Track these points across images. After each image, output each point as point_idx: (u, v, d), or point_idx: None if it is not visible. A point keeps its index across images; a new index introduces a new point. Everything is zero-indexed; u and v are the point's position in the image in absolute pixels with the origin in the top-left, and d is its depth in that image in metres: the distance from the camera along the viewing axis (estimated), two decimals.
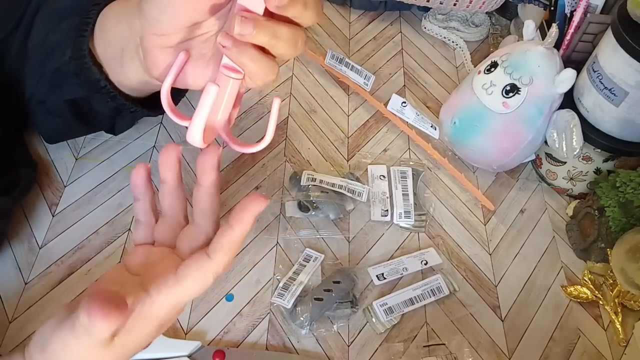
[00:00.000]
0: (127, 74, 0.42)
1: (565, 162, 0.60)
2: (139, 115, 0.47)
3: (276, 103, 0.34)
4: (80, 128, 0.56)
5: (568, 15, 0.61)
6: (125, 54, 0.40)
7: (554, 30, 0.53)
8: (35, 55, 0.47)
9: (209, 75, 0.37)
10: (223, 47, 0.31)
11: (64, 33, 0.43)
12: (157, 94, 0.43)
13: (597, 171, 0.58)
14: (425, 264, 0.55)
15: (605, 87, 0.52)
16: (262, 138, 0.35)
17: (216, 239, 0.32)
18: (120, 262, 0.52)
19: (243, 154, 0.63)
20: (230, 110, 0.36)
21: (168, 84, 0.35)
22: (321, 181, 0.59)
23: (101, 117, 0.51)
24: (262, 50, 0.33)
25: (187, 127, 0.33)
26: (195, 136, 0.32)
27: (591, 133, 0.55)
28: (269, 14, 0.31)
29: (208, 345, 0.49)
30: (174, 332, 0.49)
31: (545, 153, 0.62)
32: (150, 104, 0.47)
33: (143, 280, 0.32)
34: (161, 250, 0.35)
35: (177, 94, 0.51)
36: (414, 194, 0.61)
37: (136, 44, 0.37)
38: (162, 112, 0.40)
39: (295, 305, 0.51)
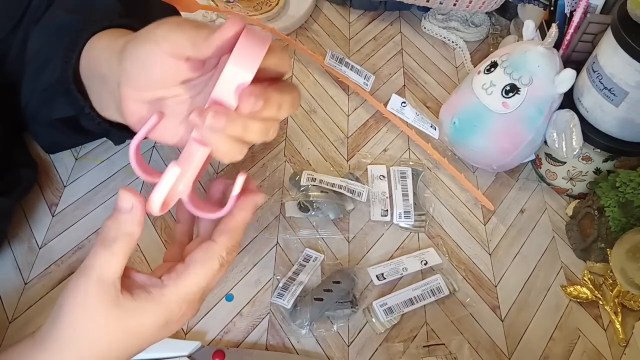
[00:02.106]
0: (105, 109, 0.41)
1: (565, 162, 0.60)
2: (127, 137, 0.47)
3: (240, 180, 0.34)
4: (78, 139, 0.55)
5: (568, 15, 0.61)
6: (104, 90, 0.39)
7: (553, 30, 0.53)
8: (30, 68, 0.46)
9: (179, 135, 0.36)
10: (195, 124, 0.31)
11: (55, 51, 0.43)
12: None
13: (597, 171, 0.58)
14: (425, 264, 0.55)
15: (605, 87, 0.52)
16: (223, 207, 0.35)
17: (219, 225, 0.35)
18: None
19: None
20: (195, 178, 0.35)
21: (135, 144, 0.34)
22: (321, 181, 0.59)
23: (95, 132, 0.50)
24: None
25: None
26: (153, 208, 0.32)
27: (591, 133, 0.55)
28: None
29: (208, 345, 0.49)
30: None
31: (545, 153, 0.62)
32: None
33: None
34: None
35: None
36: (414, 194, 0.61)
37: (114, 86, 0.37)
38: None
39: (295, 305, 0.51)
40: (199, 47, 0.31)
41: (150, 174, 0.35)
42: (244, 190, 0.35)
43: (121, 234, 0.31)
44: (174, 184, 0.33)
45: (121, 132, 0.45)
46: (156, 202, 0.32)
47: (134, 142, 0.34)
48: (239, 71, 0.30)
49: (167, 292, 0.32)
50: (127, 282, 0.32)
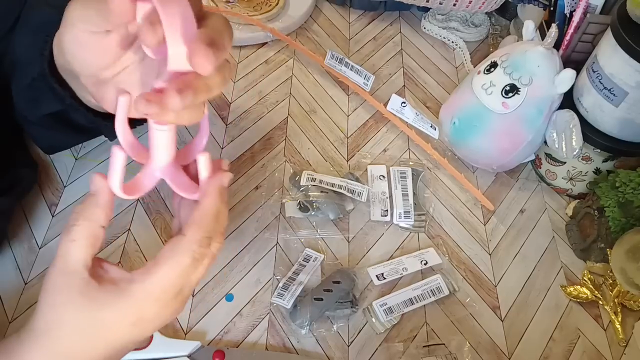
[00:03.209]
0: (88, 99, 0.41)
1: (564, 162, 0.60)
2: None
3: (202, 161, 0.32)
4: (74, 137, 0.55)
5: (568, 15, 0.61)
6: (78, 81, 0.38)
7: (553, 30, 0.53)
8: (17, 67, 0.46)
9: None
10: (147, 115, 0.29)
11: (32, 49, 0.42)
12: None
13: (597, 171, 0.58)
14: (425, 264, 0.55)
15: (605, 87, 0.52)
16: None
17: (191, 216, 0.32)
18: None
19: (243, 154, 0.63)
20: (168, 155, 0.33)
21: (121, 130, 0.33)
22: (321, 181, 0.59)
23: (90, 128, 0.49)
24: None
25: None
26: (114, 191, 0.31)
27: (591, 133, 0.55)
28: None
29: (208, 345, 0.49)
30: (174, 332, 0.49)
31: (545, 153, 0.62)
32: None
33: None
34: None
35: None
36: (414, 194, 0.61)
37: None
38: (141, 123, 0.38)
39: (295, 305, 0.51)
40: (109, 17, 0.29)
41: (141, 156, 0.34)
42: (214, 170, 0.33)
43: (80, 218, 0.30)
44: (148, 168, 0.32)
45: (109, 122, 0.44)
46: (113, 185, 0.31)
47: (119, 130, 0.33)
48: (179, 40, 0.27)
49: (134, 287, 0.30)
50: (99, 273, 0.31)
